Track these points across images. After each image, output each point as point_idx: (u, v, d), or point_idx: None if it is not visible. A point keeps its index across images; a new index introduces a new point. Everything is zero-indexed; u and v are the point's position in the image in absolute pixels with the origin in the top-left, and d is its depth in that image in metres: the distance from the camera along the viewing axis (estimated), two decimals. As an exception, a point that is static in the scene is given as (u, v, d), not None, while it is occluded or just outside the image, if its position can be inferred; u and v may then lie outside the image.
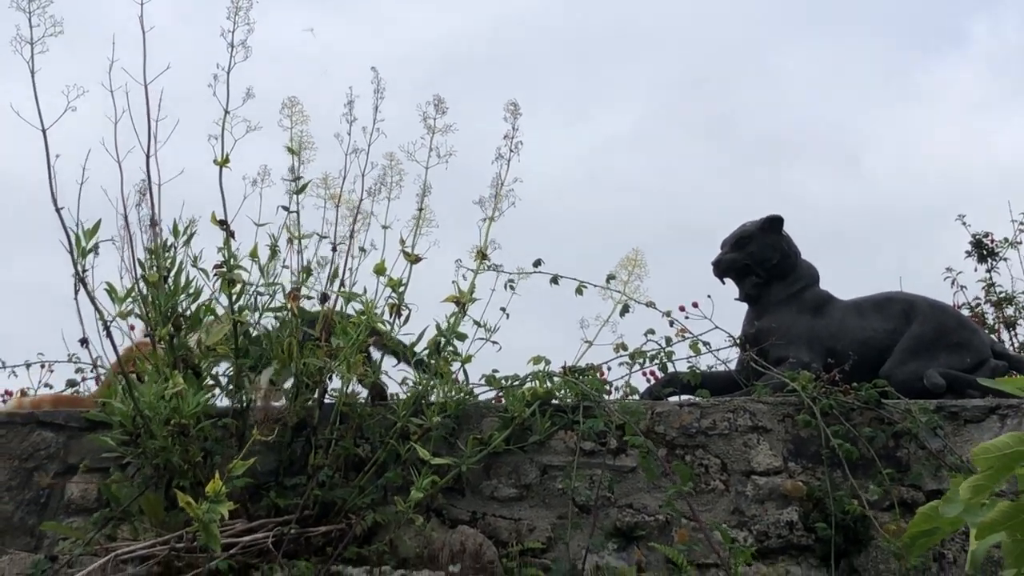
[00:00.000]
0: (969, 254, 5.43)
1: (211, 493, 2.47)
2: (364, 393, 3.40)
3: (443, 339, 3.33)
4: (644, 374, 4.03)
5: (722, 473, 3.34)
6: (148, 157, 3.32)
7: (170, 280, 3.23)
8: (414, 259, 3.36)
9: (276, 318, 3.29)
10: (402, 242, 3.37)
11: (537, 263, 4.15)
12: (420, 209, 3.44)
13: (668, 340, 3.78)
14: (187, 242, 3.29)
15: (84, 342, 3.28)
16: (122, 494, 3.22)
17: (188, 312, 3.23)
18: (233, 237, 3.17)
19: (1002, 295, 5.27)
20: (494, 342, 3.43)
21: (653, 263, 3.82)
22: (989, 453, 1.77)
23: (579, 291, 3.94)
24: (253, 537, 2.89)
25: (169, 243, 3.30)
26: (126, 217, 3.32)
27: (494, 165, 3.59)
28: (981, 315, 5.39)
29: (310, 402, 3.25)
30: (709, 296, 3.92)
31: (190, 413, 2.91)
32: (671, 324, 4.06)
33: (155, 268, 3.23)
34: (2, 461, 3.69)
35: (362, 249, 3.45)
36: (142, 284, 3.23)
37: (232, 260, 3.15)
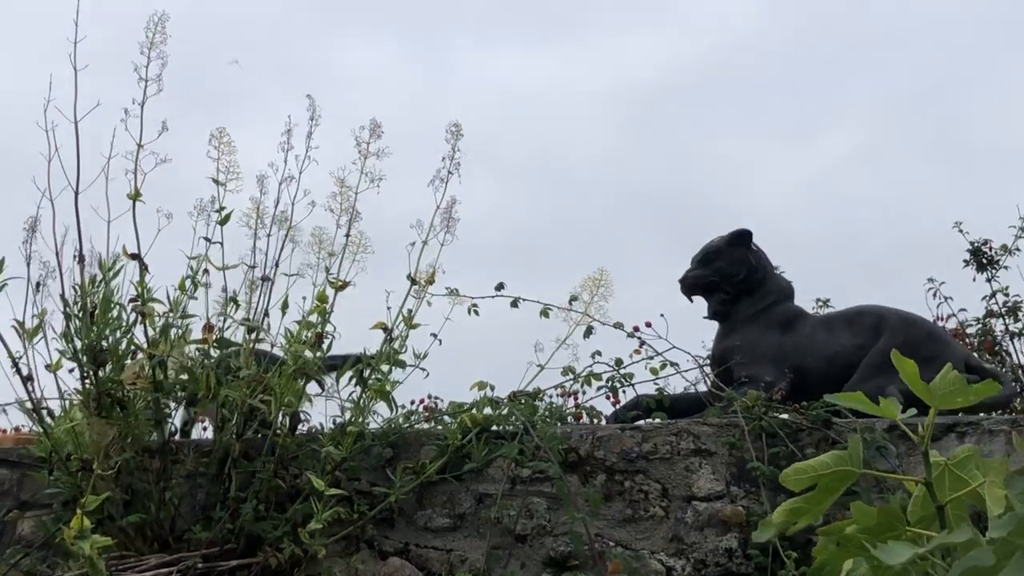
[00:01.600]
0: (967, 263, 5.16)
1: (75, 528, 2.43)
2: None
3: (368, 367, 3.25)
4: (607, 397, 3.89)
5: (662, 499, 3.19)
6: (76, 194, 3.32)
7: (96, 315, 3.21)
8: (340, 286, 3.29)
9: (198, 351, 3.25)
10: (327, 270, 3.31)
11: (499, 286, 4.07)
12: (347, 235, 3.37)
13: (619, 362, 3.65)
14: (113, 277, 3.27)
15: (28, 380, 3.29)
16: (53, 529, 3.20)
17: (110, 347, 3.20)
18: (147, 270, 3.14)
19: (1009, 304, 4.99)
20: (423, 368, 3.34)
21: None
22: (803, 474, 1.62)
23: (544, 314, 3.84)
24: (156, 573, 2.83)
25: (99, 279, 3.29)
26: (57, 254, 3.32)
27: (429, 188, 3.53)
28: (964, 327, 5.12)
29: (230, 435, 3.19)
30: (662, 315, 3.78)
31: (90, 448, 2.87)
32: (642, 344, 3.94)
33: (78, 304, 3.21)
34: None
35: (294, 275, 3.41)
36: (75, 320, 3.22)
37: (146, 294, 3.12)
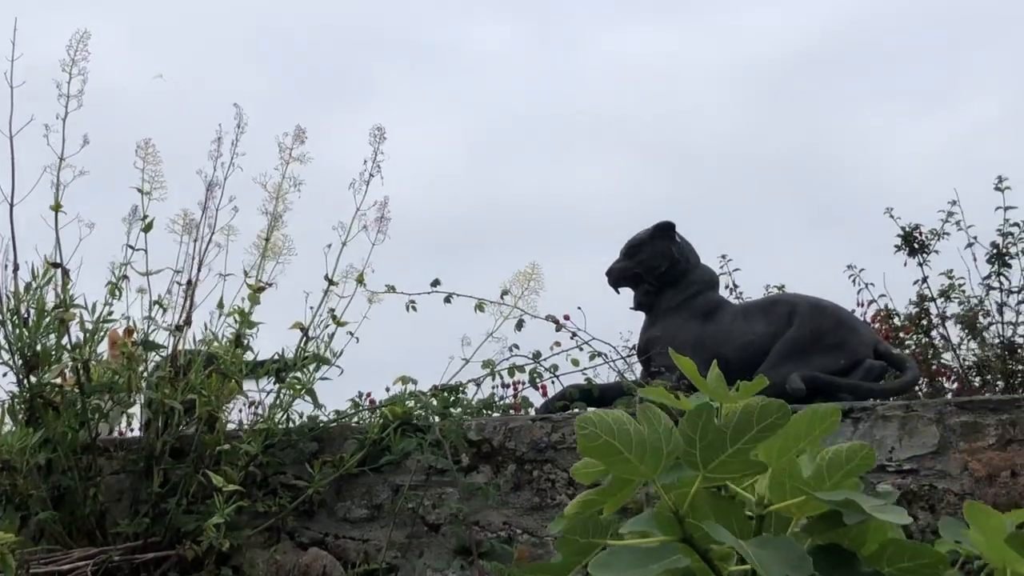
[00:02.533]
0: (899, 248, 5.22)
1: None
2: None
3: (284, 367, 3.39)
4: (536, 388, 4.00)
5: (568, 487, 3.31)
6: (11, 206, 3.48)
7: (31, 321, 3.36)
8: (256, 288, 3.43)
9: (123, 353, 3.39)
10: (245, 273, 3.45)
11: (435, 283, 4.19)
12: (266, 240, 3.51)
13: (537, 354, 3.76)
14: (45, 284, 3.41)
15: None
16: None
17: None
18: (68, 277, 3.29)
19: (943, 288, 5.06)
20: (338, 367, 3.48)
21: None
22: (592, 468, 1.71)
23: (480, 308, 3.96)
24: (74, 565, 2.99)
25: (34, 286, 3.44)
26: (-2, 261, 3.48)
27: (350, 191, 3.66)
28: (888, 313, 5.18)
29: (156, 433, 3.34)
30: (579, 308, 3.89)
31: (10, 448, 3.03)
32: (573, 336, 4.07)
33: (12, 311, 3.36)
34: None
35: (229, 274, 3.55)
36: (8, 326, 3.38)
37: (68, 300, 3.27)
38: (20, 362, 3.34)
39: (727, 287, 5.65)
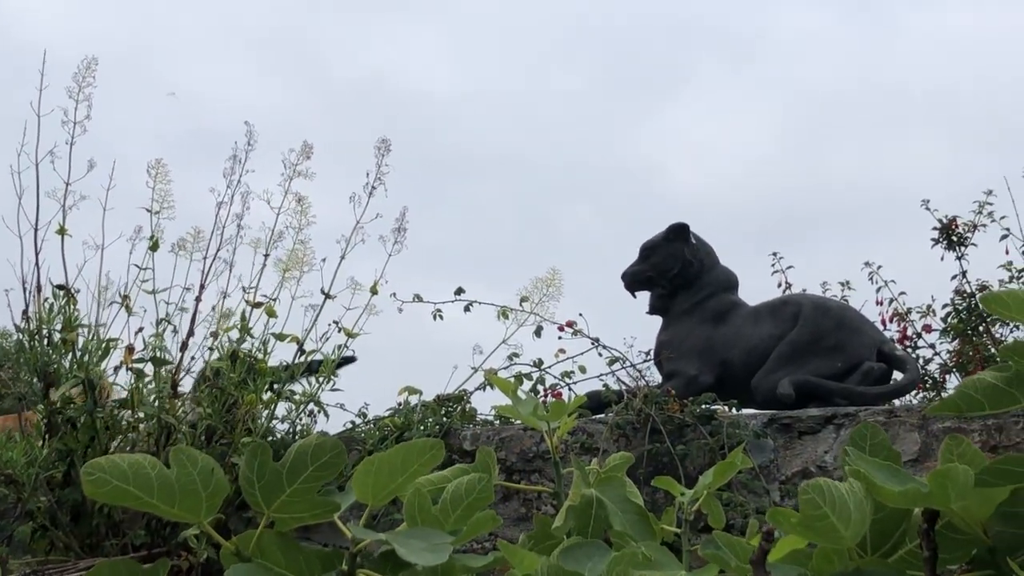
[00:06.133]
0: (936, 241, 4.99)
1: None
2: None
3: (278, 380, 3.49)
4: (547, 394, 4.02)
5: (554, 498, 3.32)
6: (36, 230, 3.66)
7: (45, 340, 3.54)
8: (255, 304, 3.54)
9: (130, 370, 3.53)
10: (244, 289, 3.56)
11: (458, 291, 4.25)
12: (266, 255, 3.62)
13: (539, 362, 3.78)
14: (65, 305, 3.59)
15: None
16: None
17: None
18: (73, 298, 3.45)
19: (979, 285, 4.81)
20: (335, 375, 3.56)
21: None
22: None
23: (503, 315, 4.00)
24: (78, 574, 3.15)
25: (56, 307, 3.62)
26: (24, 284, 3.67)
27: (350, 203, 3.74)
28: (904, 313, 4.96)
29: (159, 447, 3.48)
30: (581, 314, 3.89)
31: (11, 463, 3.20)
32: (596, 342, 4.07)
33: (31, 331, 3.54)
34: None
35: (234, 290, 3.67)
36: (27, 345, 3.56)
37: (73, 320, 3.43)
38: (39, 381, 3.53)
39: (779, 286, 5.55)
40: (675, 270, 4.00)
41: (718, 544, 1.14)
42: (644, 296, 4.22)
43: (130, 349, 3.46)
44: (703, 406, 3.26)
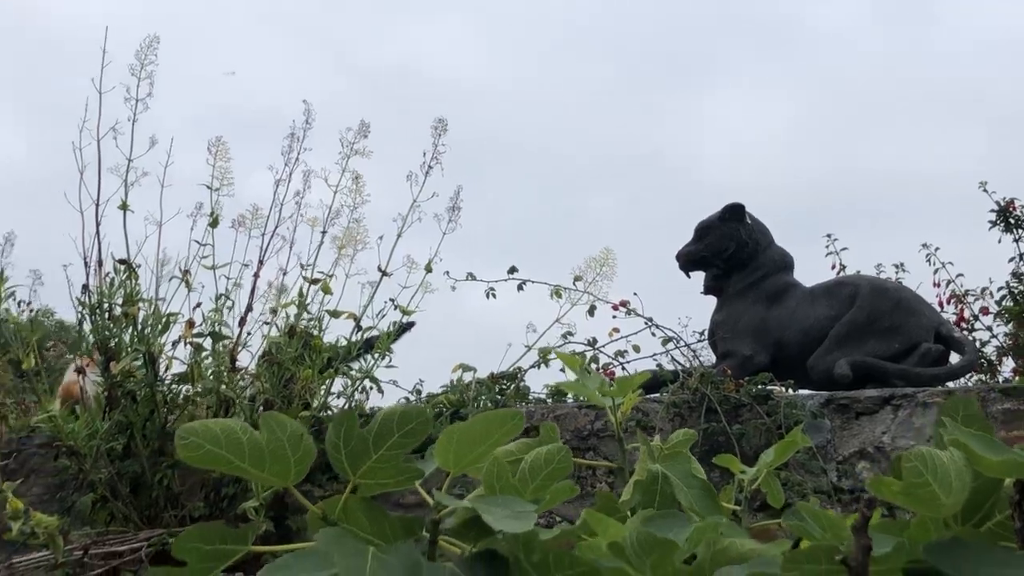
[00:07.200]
0: (994, 224, 4.92)
1: (13, 509, 2.78)
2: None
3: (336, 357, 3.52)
4: (604, 372, 4.03)
5: (608, 476, 3.34)
6: (97, 206, 3.71)
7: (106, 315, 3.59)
8: (313, 282, 3.57)
9: (189, 344, 3.58)
10: (302, 267, 3.59)
11: (512, 270, 4.26)
12: (323, 232, 3.64)
13: (593, 340, 3.79)
14: (126, 280, 3.63)
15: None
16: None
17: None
18: (135, 273, 3.49)
19: None
20: (390, 351, 3.59)
21: None
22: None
23: (557, 294, 4.01)
24: (132, 546, 3.19)
25: (117, 282, 3.67)
26: (85, 259, 3.72)
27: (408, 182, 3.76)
28: (962, 295, 4.89)
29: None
30: (635, 293, 3.89)
31: (73, 435, 3.25)
32: (649, 321, 4.07)
33: (92, 305, 3.60)
34: (39, 478, 4.20)
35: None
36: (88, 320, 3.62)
37: (135, 295, 3.47)
38: (101, 355, 3.58)
39: (833, 267, 5.52)
40: (730, 250, 3.99)
41: (802, 515, 1.14)
42: (680, 278, 4.22)
43: (190, 323, 3.50)
44: (759, 386, 3.25)
